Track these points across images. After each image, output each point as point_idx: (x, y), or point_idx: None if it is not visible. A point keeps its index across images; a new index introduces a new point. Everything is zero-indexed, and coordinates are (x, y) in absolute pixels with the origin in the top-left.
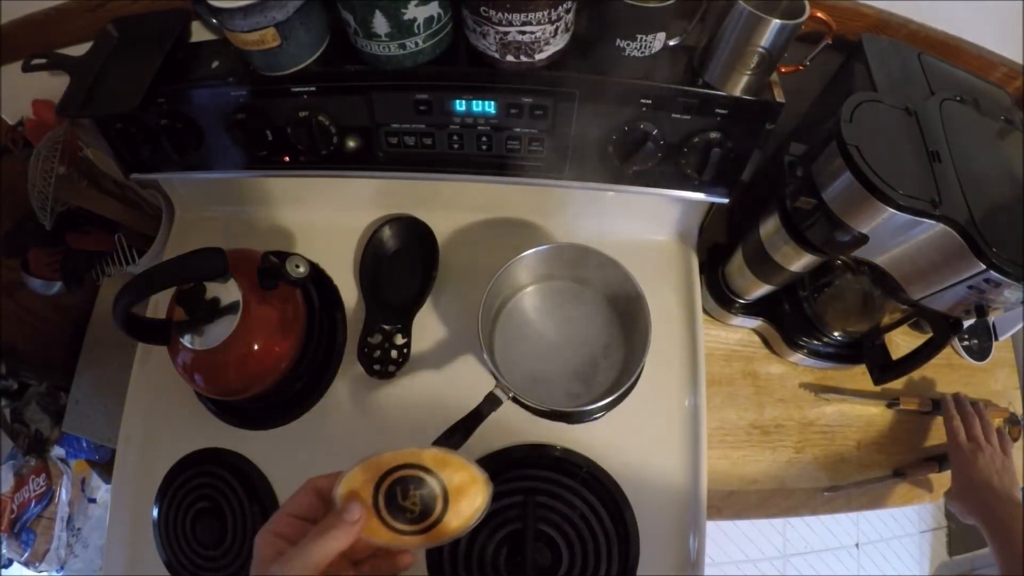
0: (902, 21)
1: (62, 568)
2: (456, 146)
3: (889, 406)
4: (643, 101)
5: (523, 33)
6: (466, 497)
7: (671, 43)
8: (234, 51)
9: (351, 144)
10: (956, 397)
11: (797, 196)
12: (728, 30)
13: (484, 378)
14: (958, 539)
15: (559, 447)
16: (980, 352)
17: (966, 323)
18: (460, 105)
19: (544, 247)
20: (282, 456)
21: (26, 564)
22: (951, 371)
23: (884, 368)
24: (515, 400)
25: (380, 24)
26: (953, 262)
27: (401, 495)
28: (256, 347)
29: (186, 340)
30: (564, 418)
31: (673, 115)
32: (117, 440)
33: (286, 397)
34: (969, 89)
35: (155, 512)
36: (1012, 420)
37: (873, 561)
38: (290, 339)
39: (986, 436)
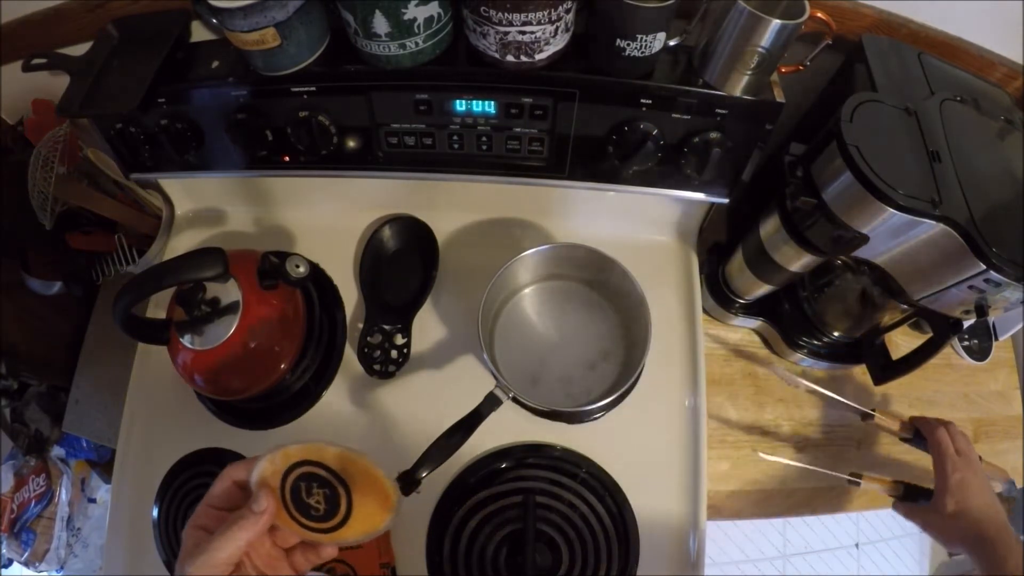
0: (902, 21)
1: (62, 568)
2: (456, 146)
3: (863, 419)
4: (643, 101)
5: (523, 33)
6: (371, 502)
7: (671, 43)
8: (234, 51)
9: (351, 144)
10: (938, 419)
11: (797, 196)
12: (728, 30)
13: (484, 378)
14: None
15: (559, 447)
16: (980, 352)
17: (966, 323)
18: (460, 105)
19: (544, 247)
20: None
21: (26, 564)
22: (951, 371)
23: (884, 368)
24: (515, 400)
25: (380, 24)
26: (953, 262)
27: (305, 491)
28: (256, 347)
29: (186, 340)
30: (564, 418)
31: (673, 115)
32: (117, 440)
33: (286, 397)
34: (969, 89)
35: (155, 512)
36: (1009, 489)
37: (873, 561)
38: (290, 339)
39: (970, 453)
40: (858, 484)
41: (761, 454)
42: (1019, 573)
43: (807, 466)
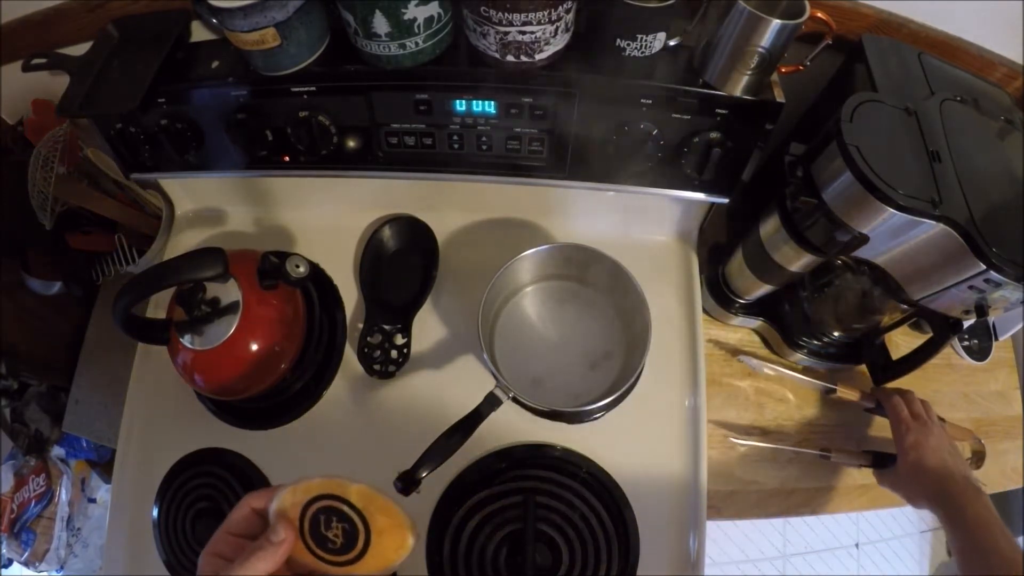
0: (902, 21)
1: (62, 568)
2: (456, 146)
3: (827, 393)
4: (643, 101)
5: (523, 33)
6: (388, 540)
7: (671, 43)
8: (234, 51)
9: (351, 144)
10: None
11: (797, 196)
12: (728, 30)
13: (484, 378)
14: None
15: (559, 447)
16: (980, 352)
17: (966, 323)
18: (460, 105)
19: (544, 247)
20: (282, 456)
21: (26, 564)
22: (951, 371)
23: (884, 368)
24: (515, 400)
25: (380, 24)
26: (953, 262)
27: (324, 524)
28: (256, 347)
29: (186, 340)
30: (564, 418)
31: (673, 115)
32: (117, 440)
33: (286, 397)
34: (969, 89)
35: (155, 512)
36: (977, 453)
37: (873, 561)
38: (290, 339)
39: (928, 416)
40: (828, 458)
41: (732, 438)
42: (979, 521)
43: (778, 446)
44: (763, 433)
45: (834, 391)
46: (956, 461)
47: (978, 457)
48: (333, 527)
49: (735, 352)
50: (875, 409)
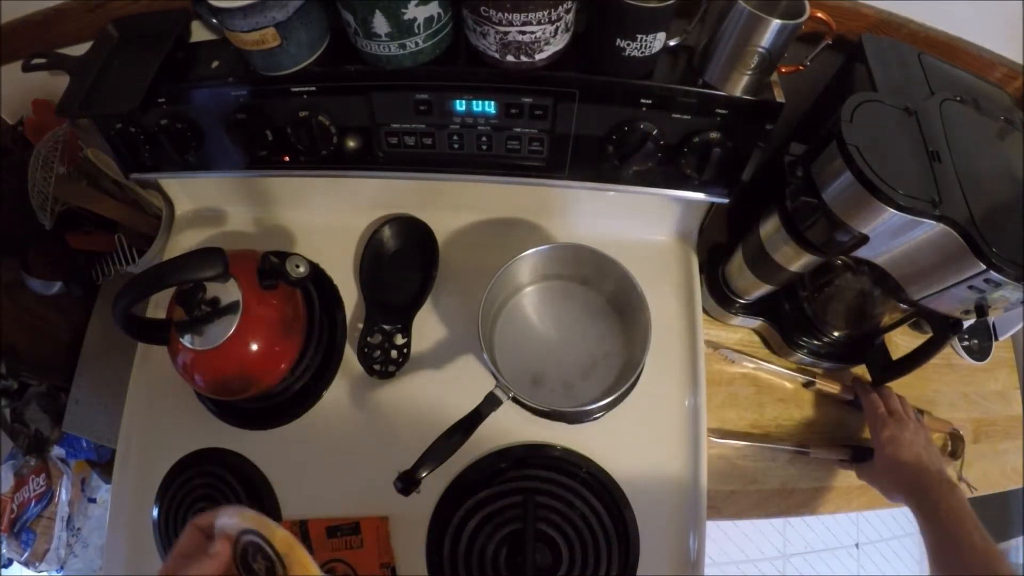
0: (902, 21)
1: (62, 568)
2: (456, 146)
3: (806, 386)
4: (643, 101)
5: (523, 33)
6: None
7: (671, 43)
8: (234, 51)
9: (351, 144)
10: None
11: (797, 196)
12: (728, 30)
13: (484, 378)
14: None
15: (559, 447)
16: (980, 352)
17: (966, 323)
18: (460, 105)
19: (544, 247)
20: (282, 456)
21: (26, 564)
22: (951, 371)
23: (884, 368)
24: (515, 400)
25: (380, 24)
26: (953, 262)
27: (252, 556)
28: (256, 347)
29: (186, 340)
30: (564, 418)
31: (673, 115)
32: (117, 440)
33: (286, 397)
34: (969, 89)
35: (155, 512)
36: (955, 436)
37: (873, 561)
38: (290, 339)
39: (905, 411)
40: (807, 454)
41: (712, 439)
42: (952, 515)
43: (757, 444)
44: (764, 433)
45: (813, 383)
46: (931, 456)
47: (956, 443)
48: (258, 561)
49: (716, 346)
50: (855, 402)
